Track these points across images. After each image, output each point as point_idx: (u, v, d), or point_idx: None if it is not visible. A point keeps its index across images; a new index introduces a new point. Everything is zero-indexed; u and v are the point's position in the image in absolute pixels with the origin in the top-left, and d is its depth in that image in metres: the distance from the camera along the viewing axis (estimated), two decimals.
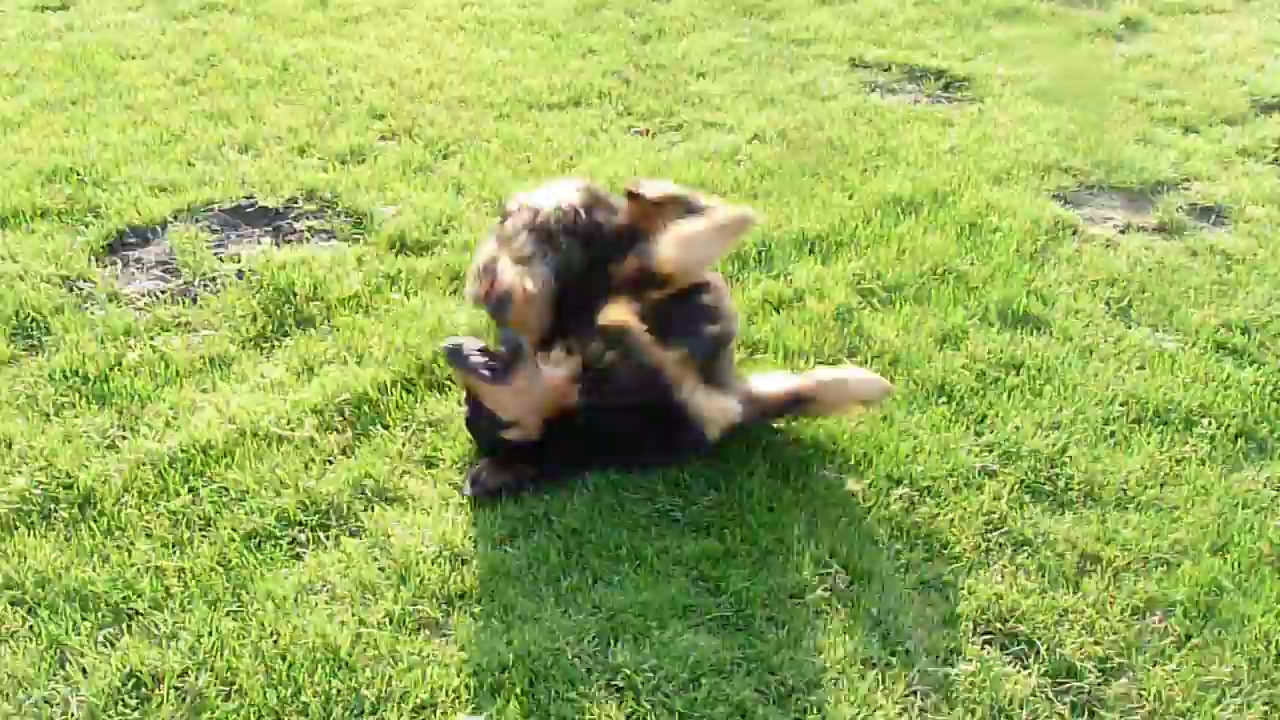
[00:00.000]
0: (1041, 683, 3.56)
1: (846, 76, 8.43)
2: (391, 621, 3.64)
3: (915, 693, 3.50)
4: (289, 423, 4.51)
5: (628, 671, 3.48)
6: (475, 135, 7.21)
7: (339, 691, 3.40)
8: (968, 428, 4.66)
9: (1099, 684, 3.57)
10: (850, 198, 6.55)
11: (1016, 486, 4.36)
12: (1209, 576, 3.94)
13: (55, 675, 3.47)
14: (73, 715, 3.34)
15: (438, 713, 3.33)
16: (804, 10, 9.70)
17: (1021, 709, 3.46)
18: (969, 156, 7.18)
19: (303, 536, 4.00)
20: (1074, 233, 6.31)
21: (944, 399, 4.82)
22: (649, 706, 3.38)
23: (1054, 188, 6.85)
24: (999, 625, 3.76)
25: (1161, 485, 4.40)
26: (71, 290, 5.42)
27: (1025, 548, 4.08)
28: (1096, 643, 3.70)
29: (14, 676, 3.45)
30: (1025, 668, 3.62)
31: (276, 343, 5.08)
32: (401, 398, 4.67)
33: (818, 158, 7.09)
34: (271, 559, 3.89)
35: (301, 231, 6.02)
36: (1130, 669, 3.62)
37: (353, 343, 5.02)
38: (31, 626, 3.63)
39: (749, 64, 8.55)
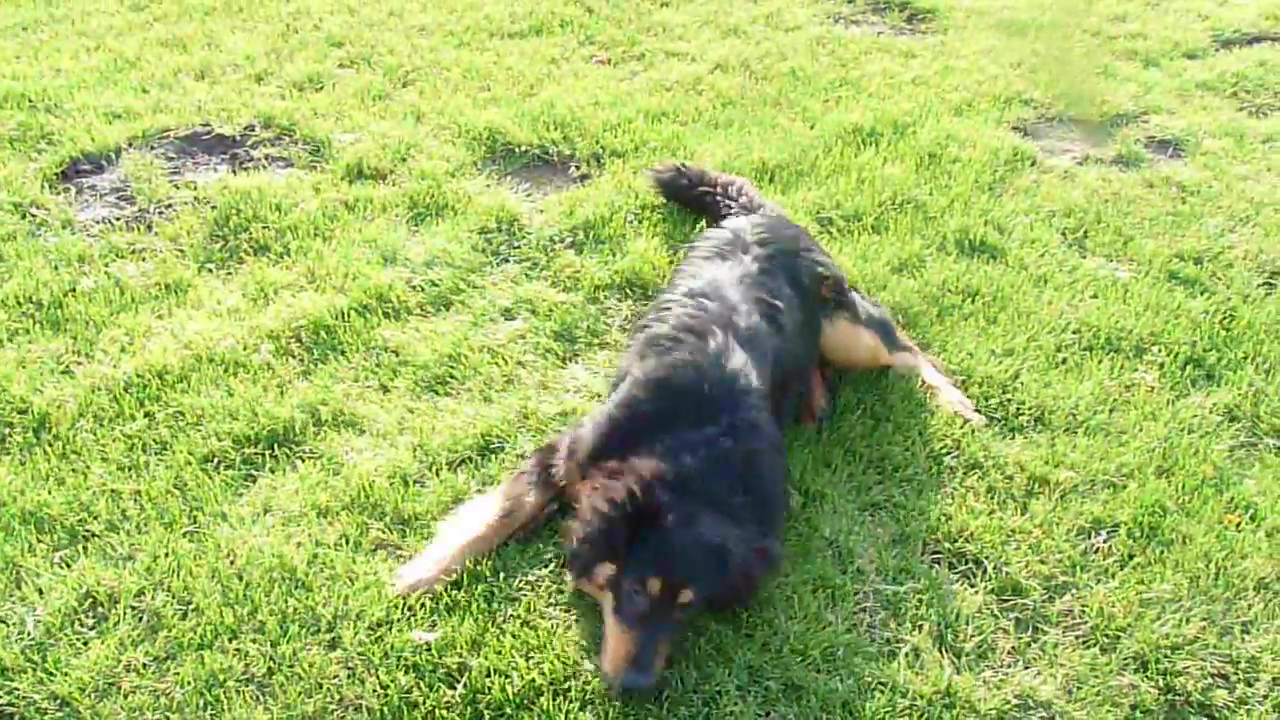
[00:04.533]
0: (988, 600, 3.64)
1: (810, 8, 8.39)
2: (347, 543, 3.67)
3: (865, 610, 3.57)
4: (245, 348, 4.50)
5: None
6: (435, 63, 7.13)
7: (295, 610, 3.43)
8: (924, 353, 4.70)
9: (1044, 601, 3.65)
10: (811, 128, 6.55)
11: None
12: (1153, 498, 4.02)
13: (12, 595, 3.47)
14: (29, 634, 3.35)
15: (393, 630, 3.36)
16: None
17: (967, 624, 3.53)
18: (930, 88, 7.18)
19: (259, 460, 4.00)
20: (1032, 164, 6.35)
21: (901, 325, 4.85)
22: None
23: (1014, 119, 6.88)
24: (948, 545, 3.83)
25: (1110, 411, 4.47)
26: (25, 218, 5.35)
27: (975, 471, 4.14)
28: (1042, 561, 3.78)
29: None
30: (972, 585, 3.69)
31: (233, 269, 5.05)
32: (358, 324, 4.66)
33: (779, 88, 7.07)
34: (227, 482, 3.90)
35: (258, 159, 5.95)
36: (1074, 586, 3.70)
37: (310, 269, 4.99)
38: None
39: None
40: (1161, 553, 3.83)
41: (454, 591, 3.48)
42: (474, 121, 6.29)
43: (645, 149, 6.15)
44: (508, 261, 5.19)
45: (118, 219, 5.38)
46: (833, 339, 4.43)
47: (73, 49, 7.10)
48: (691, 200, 5.42)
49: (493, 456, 4.06)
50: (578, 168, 6.04)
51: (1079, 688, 3.38)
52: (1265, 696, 3.39)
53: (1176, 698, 3.37)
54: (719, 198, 5.23)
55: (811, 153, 6.19)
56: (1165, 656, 3.46)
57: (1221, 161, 6.51)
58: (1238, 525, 3.96)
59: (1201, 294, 5.24)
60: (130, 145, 6.00)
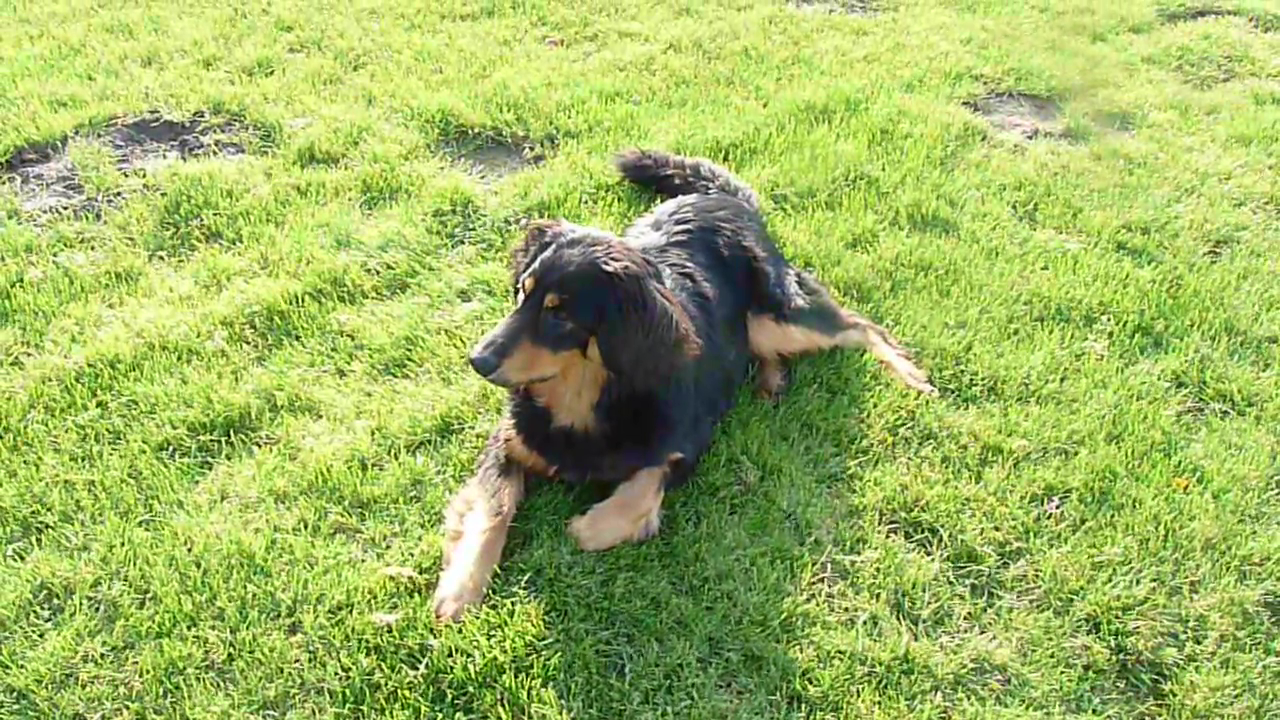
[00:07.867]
0: (943, 567, 3.68)
1: None
2: (306, 527, 3.66)
3: (822, 580, 3.60)
4: (199, 335, 4.46)
5: (546, 568, 3.54)
6: (386, 46, 7.09)
7: (255, 596, 3.42)
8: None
9: (998, 566, 3.70)
10: (764, 106, 6.57)
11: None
12: (1103, 464, 4.09)
13: None
14: None
15: (354, 613, 3.36)
16: None
17: (924, 592, 3.58)
18: (882, 65, 7.22)
19: (214, 447, 3.98)
20: (983, 139, 6.40)
21: (855, 299, 4.89)
22: (571, 601, 3.44)
23: (965, 95, 6.93)
24: (904, 514, 3.87)
25: (1061, 379, 4.53)
26: None
27: (930, 441, 4.18)
28: (996, 528, 3.83)
29: None
30: (928, 554, 3.74)
31: (184, 256, 5.01)
32: (313, 308, 4.64)
33: (733, 67, 7.09)
34: (183, 470, 3.87)
35: (208, 145, 5.90)
36: (1028, 552, 3.76)
37: (262, 254, 4.96)
38: None
39: None
40: (1112, 517, 3.90)
41: (416, 573, 3.48)
42: (427, 104, 6.26)
43: (599, 129, 6.15)
44: (463, 243, 5.18)
45: (65, 208, 5.32)
46: (759, 336, 4.42)
47: (15, 36, 6.99)
48: (657, 183, 5.41)
49: (452, 437, 4.06)
50: (532, 149, 6.02)
51: (1033, 650, 3.44)
52: (1213, 653, 3.46)
53: (1128, 657, 3.44)
54: (690, 179, 5.23)
55: (765, 131, 6.21)
56: (1117, 617, 3.52)
57: (1167, 134, 6.60)
58: (1185, 488, 4.04)
59: (1149, 263, 5.31)
60: (77, 133, 5.92)
